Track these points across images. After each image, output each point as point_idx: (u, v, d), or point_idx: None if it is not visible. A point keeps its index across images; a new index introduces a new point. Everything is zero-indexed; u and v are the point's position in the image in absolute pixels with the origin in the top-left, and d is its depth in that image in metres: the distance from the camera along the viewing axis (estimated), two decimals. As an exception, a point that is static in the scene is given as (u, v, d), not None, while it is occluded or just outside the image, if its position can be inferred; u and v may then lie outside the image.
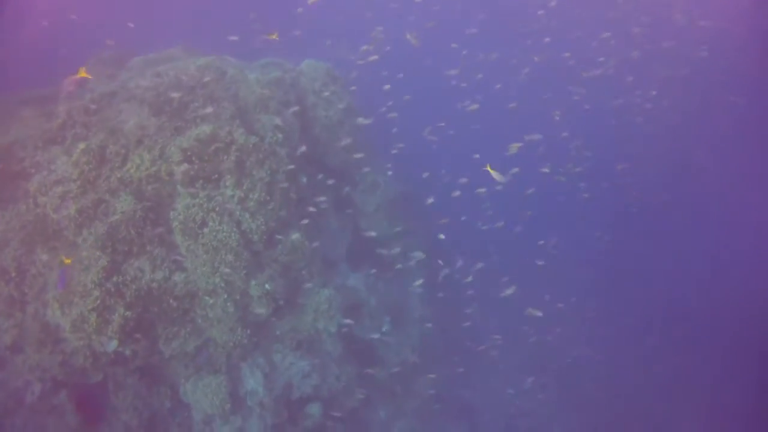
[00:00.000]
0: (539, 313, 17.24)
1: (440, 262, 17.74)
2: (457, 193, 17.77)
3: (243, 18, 24.20)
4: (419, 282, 17.10)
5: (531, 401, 22.69)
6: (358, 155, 16.33)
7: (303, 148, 15.12)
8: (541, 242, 21.12)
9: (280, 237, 14.25)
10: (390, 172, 17.71)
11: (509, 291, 16.71)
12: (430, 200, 17.43)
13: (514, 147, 15.40)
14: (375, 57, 18.31)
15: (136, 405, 14.24)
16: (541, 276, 22.19)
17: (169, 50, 18.16)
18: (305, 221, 14.88)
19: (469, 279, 17.71)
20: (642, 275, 28.43)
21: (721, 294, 27.43)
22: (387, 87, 17.19)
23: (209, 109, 14.47)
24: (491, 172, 13.77)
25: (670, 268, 28.74)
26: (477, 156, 17.73)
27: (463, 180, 17.91)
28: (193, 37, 20.95)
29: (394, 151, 17.88)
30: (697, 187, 30.70)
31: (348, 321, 14.72)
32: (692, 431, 22.73)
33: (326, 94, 16.39)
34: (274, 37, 15.01)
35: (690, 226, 29.92)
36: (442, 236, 17.51)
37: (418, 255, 17.09)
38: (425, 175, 18.51)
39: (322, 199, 15.56)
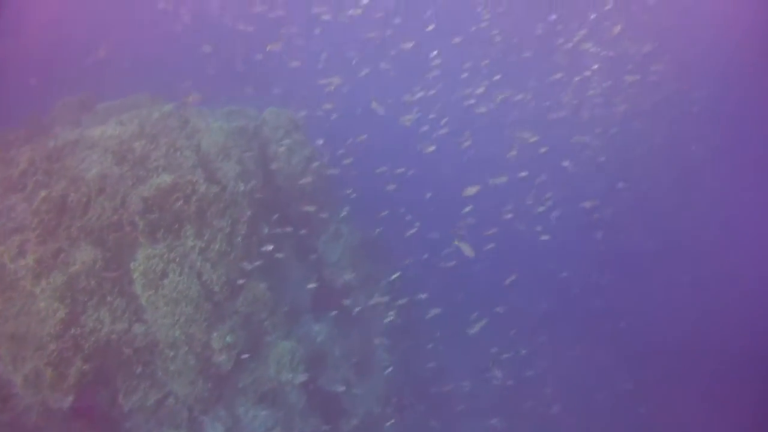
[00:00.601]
0: (499, 374, 17.24)
1: (392, 314, 17.57)
2: (413, 230, 17.91)
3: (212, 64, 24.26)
4: (389, 317, 17.00)
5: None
6: (321, 203, 16.33)
7: (261, 196, 15.15)
8: (507, 281, 21.08)
9: (241, 287, 14.16)
10: (345, 214, 17.71)
11: (477, 326, 16.67)
12: (378, 230, 17.49)
13: (472, 190, 15.54)
14: (329, 105, 18.55)
15: (93, 462, 13.82)
16: (507, 316, 22.29)
17: (134, 97, 18.10)
18: (268, 271, 14.80)
19: (431, 314, 17.56)
20: (613, 315, 28.45)
21: (697, 333, 27.55)
22: (320, 142, 17.13)
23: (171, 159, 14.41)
24: (461, 245, 13.89)
25: (643, 308, 28.80)
26: (429, 194, 17.89)
27: (417, 224, 18.12)
28: (161, 83, 21.00)
29: (353, 195, 17.90)
30: (668, 225, 30.92)
31: (303, 377, 14.47)
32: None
33: (288, 142, 16.42)
34: (191, 99, 15.05)
35: (661, 265, 30.06)
36: (396, 275, 17.54)
37: (382, 298, 17.06)
38: (384, 213, 18.48)
39: (284, 249, 15.54)
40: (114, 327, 13.28)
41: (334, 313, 16.73)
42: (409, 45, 19.90)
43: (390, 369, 17.45)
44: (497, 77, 23.47)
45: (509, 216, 20.02)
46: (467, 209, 17.36)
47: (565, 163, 23.34)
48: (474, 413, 22.51)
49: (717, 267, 29.50)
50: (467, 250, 14.01)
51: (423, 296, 18.41)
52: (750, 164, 32.11)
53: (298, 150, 16.44)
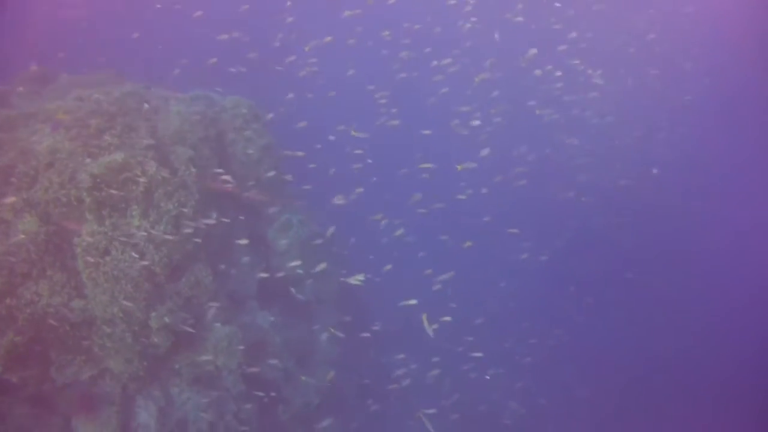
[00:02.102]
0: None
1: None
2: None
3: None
4: (359, 277, 17.01)
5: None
6: (275, 193, 16.44)
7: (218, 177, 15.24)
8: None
9: (184, 270, 14.26)
10: (298, 205, 17.84)
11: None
12: (331, 230, 17.56)
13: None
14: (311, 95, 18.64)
15: (21, 437, 13.68)
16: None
17: (99, 74, 18.07)
18: (214, 256, 14.91)
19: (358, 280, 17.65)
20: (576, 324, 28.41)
21: (658, 344, 27.60)
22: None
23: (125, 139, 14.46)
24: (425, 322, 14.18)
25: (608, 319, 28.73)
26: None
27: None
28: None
29: (307, 187, 17.88)
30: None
31: (240, 362, 14.59)
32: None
33: (247, 132, 16.51)
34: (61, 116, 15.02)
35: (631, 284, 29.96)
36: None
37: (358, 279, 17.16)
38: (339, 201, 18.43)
39: (234, 236, 15.64)
40: (52, 300, 13.28)
41: (279, 302, 16.86)
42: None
43: (333, 361, 17.62)
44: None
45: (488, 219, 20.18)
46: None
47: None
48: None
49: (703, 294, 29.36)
50: (429, 329, 14.28)
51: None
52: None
53: (256, 139, 16.53)
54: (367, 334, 18.36)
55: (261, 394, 15.52)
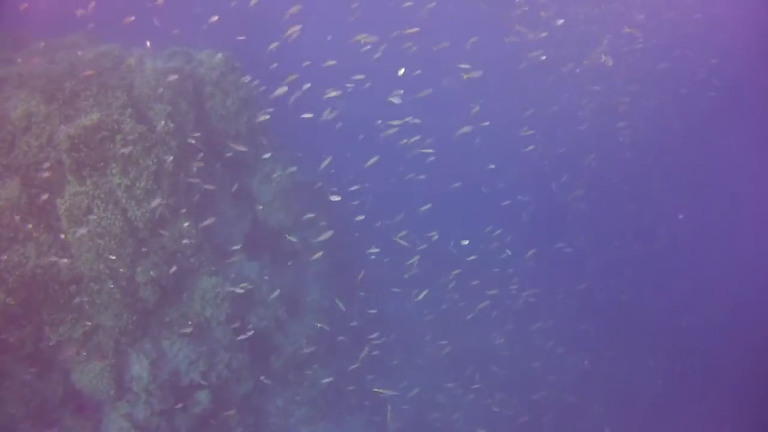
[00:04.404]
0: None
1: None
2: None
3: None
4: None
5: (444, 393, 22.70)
6: (256, 145, 16.55)
7: (196, 134, 15.32)
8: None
9: (167, 224, 14.50)
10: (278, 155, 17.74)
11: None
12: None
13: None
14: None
15: (23, 394, 14.07)
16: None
17: (72, 36, 17.97)
18: (199, 209, 15.15)
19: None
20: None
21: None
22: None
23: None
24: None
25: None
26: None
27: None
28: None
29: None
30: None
31: (227, 312, 14.95)
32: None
33: (224, 84, 16.57)
34: None
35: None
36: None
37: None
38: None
39: (217, 189, 15.84)
40: (39, 261, 13.57)
41: (267, 252, 17.07)
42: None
43: (324, 308, 17.95)
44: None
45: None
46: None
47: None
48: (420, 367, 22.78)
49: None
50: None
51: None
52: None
53: (233, 91, 16.61)
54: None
55: (251, 342, 15.86)
